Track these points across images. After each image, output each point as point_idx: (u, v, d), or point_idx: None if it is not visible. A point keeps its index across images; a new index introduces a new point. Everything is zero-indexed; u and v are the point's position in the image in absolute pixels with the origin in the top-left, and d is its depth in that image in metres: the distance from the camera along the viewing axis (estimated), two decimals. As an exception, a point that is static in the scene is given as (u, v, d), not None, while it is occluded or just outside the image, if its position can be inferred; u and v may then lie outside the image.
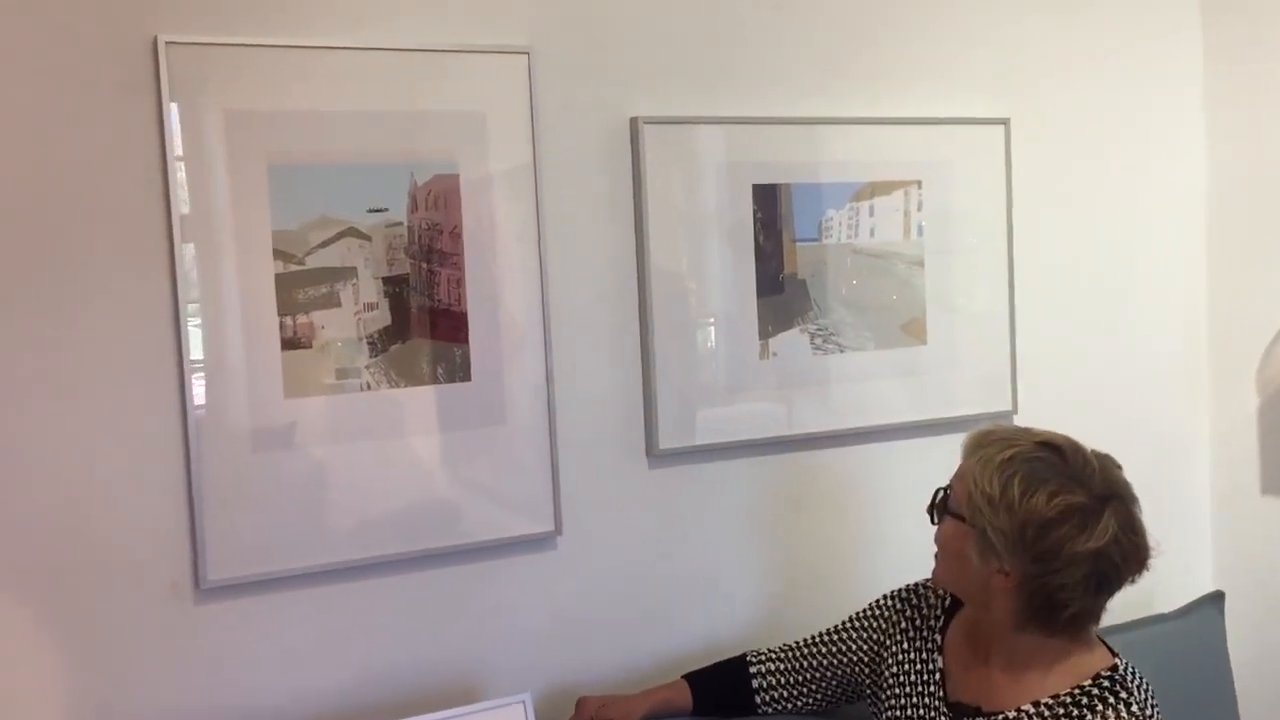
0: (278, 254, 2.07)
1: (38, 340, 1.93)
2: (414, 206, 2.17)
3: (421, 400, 2.19)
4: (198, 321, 2.02)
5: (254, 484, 2.07)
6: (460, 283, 2.21)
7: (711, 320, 2.44)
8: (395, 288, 2.16)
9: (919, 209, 2.62)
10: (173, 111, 1.98)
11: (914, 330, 2.63)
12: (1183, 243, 2.95)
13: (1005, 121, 2.68)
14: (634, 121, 2.35)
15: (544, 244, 2.27)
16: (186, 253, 2.00)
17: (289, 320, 2.08)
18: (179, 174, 1.99)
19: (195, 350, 2.02)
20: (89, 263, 1.96)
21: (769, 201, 2.48)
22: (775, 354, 2.50)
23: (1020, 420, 2.74)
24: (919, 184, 2.62)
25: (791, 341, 2.51)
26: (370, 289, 2.14)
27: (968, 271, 2.68)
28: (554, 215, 2.29)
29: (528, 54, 2.24)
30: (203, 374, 2.02)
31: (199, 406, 2.02)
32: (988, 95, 2.69)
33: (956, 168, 2.65)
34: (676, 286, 2.40)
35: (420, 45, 2.16)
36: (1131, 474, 1.81)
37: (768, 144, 2.47)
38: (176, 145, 1.99)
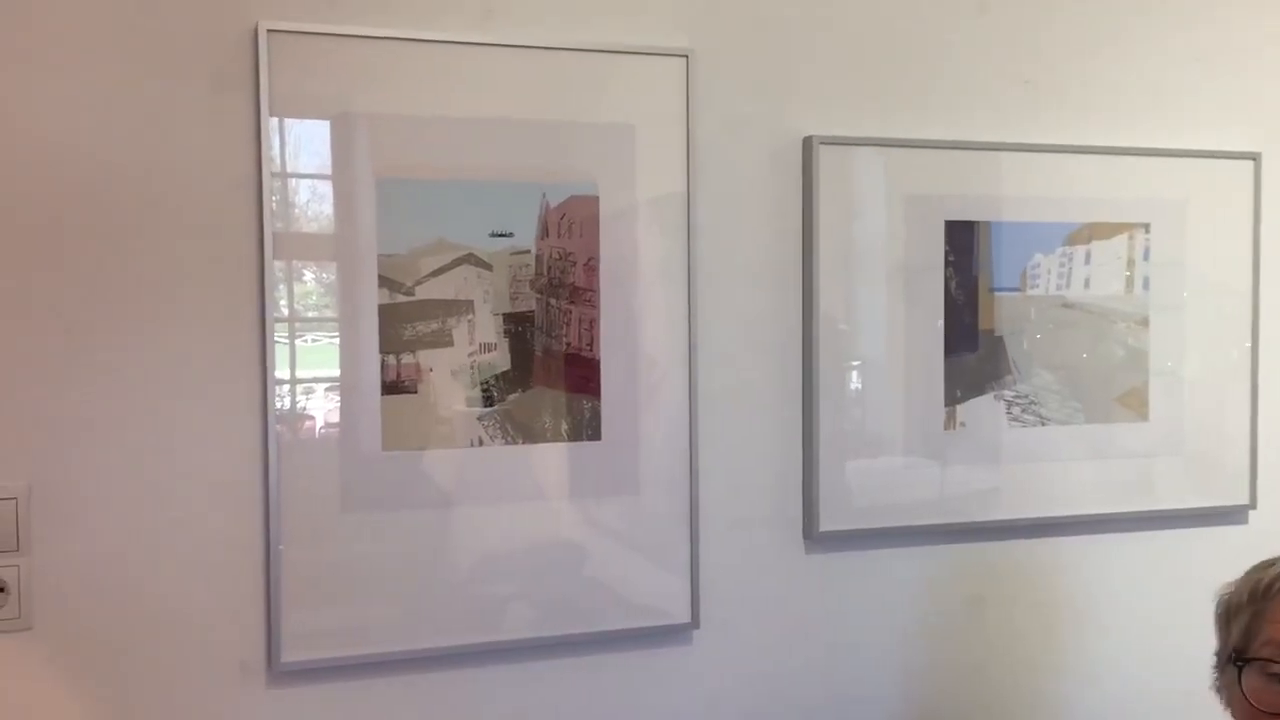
0: (384, 281, 1.76)
1: (105, 369, 1.66)
2: (544, 232, 1.84)
3: (543, 461, 1.86)
4: (286, 358, 1.72)
5: (342, 549, 1.76)
6: (594, 324, 1.87)
7: (889, 381, 2.05)
8: (517, 326, 1.83)
9: (1145, 258, 2.18)
10: (270, 111, 1.70)
11: (1132, 402, 2.18)
12: None
13: (1256, 157, 2.23)
14: (807, 142, 1.99)
15: (694, 283, 1.91)
16: (276, 275, 1.71)
17: (392, 360, 1.77)
18: (274, 184, 1.70)
19: (282, 394, 1.72)
20: (161, 284, 1.68)
21: (964, 242, 2.08)
22: (963, 424, 2.09)
23: (1259, 519, 2.26)
24: (1146, 228, 2.18)
25: (984, 410, 2.10)
26: (488, 327, 1.81)
27: (1201, 335, 2.22)
28: (708, 250, 1.94)
29: (686, 57, 1.90)
30: (289, 419, 1.72)
31: (282, 454, 1.72)
32: (1235, 126, 2.24)
33: (1193, 210, 2.20)
34: (848, 340, 2.02)
35: (560, 43, 1.84)
36: None
37: (965, 173, 2.08)
38: (273, 150, 1.70)
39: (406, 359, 1.78)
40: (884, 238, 2.04)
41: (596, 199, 1.87)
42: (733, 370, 1.97)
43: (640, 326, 1.90)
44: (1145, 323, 2.18)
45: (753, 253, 1.98)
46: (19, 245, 1.62)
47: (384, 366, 1.77)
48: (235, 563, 1.72)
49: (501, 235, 1.82)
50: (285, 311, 1.72)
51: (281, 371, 1.72)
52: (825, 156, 1.98)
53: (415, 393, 1.78)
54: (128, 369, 1.66)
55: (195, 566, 1.70)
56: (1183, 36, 2.20)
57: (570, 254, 1.86)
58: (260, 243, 1.70)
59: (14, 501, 1.61)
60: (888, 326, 2.04)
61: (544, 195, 1.84)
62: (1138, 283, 2.18)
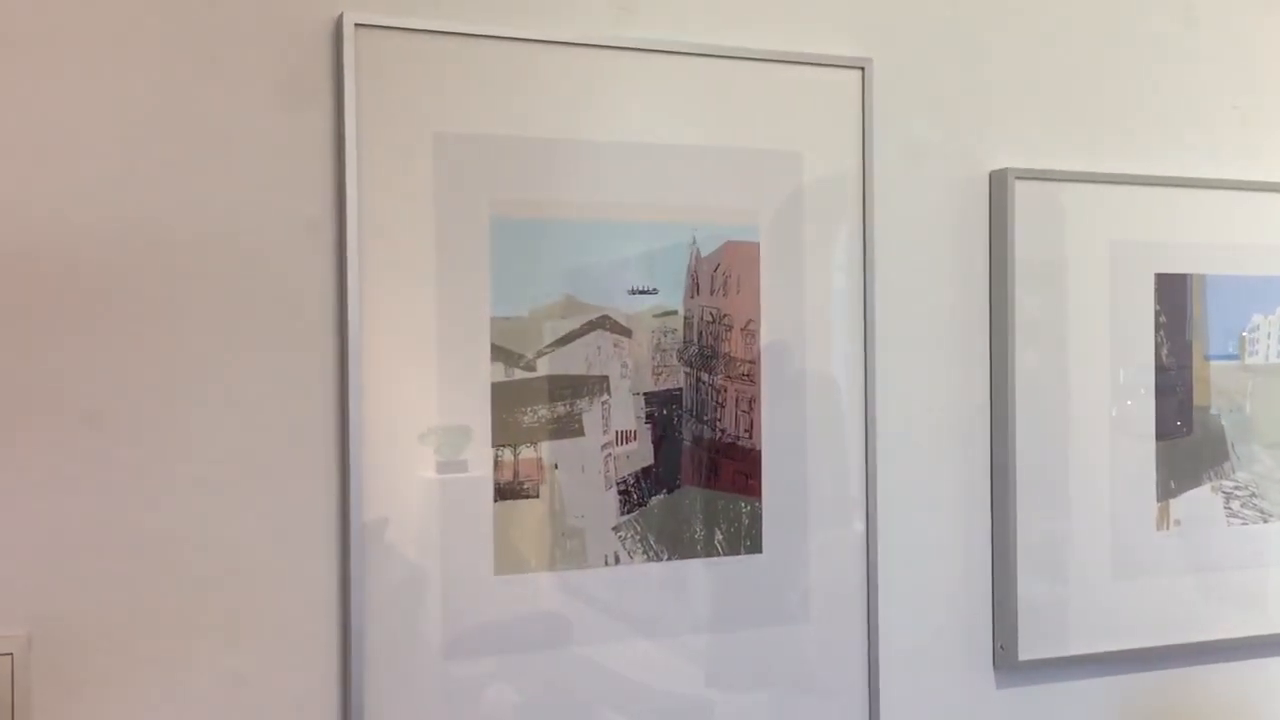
0: (497, 353, 1.34)
1: (132, 470, 1.22)
2: (694, 289, 1.44)
3: (692, 581, 1.44)
4: (367, 453, 1.29)
5: (444, 707, 1.32)
6: (754, 404, 1.46)
7: (1092, 471, 1.66)
8: (661, 409, 1.42)
9: (1374, 318, 1.82)
10: (355, 126, 1.28)
11: (1362, 492, 1.81)
12: None
13: None
14: (997, 177, 1.61)
15: (871, 353, 1.52)
16: (359, 341, 1.29)
17: (507, 454, 1.35)
18: (356, 222, 1.29)
19: (365, 494, 1.29)
20: (207, 361, 1.25)
21: (1176, 299, 1.70)
22: (1178, 522, 1.70)
23: None
24: (1374, 282, 1.82)
25: (1200, 504, 1.71)
26: (626, 410, 1.40)
27: None
28: (887, 310, 1.54)
29: (863, 69, 1.52)
30: (373, 539, 1.29)
31: (367, 585, 1.29)
32: None
33: None
34: (1046, 422, 1.63)
35: (714, 49, 1.44)
36: None
37: (1175, 216, 1.71)
38: (354, 174, 1.28)
39: (526, 453, 1.36)
40: (1084, 293, 1.65)
41: (757, 245, 1.47)
42: (913, 464, 1.57)
43: (808, 407, 1.49)
44: (1373, 396, 1.82)
45: (936, 312, 1.59)
46: (16, 313, 1.19)
47: (498, 464, 1.35)
48: (301, 728, 1.28)
49: (643, 292, 1.41)
50: (368, 389, 1.30)
51: (365, 473, 1.29)
52: (1020, 193, 1.60)
53: (536, 497, 1.36)
54: (159, 471, 1.23)
55: (247, 735, 1.26)
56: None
57: (725, 315, 1.45)
58: (340, 305, 1.28)
59: (9, 658, 1.17)
60: (1091, 404, 1.65)
61: (694, 240, 1.44)
62: (1365, 348, 1.81)
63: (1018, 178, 1.60)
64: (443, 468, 1.33)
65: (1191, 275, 1.71)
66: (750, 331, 1.47)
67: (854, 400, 1.52)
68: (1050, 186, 1.63)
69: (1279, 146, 1.77)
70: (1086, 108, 1.67)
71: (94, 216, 1.21)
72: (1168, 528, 1.69)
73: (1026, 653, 1.61)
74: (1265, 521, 1.75)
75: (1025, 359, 1.61)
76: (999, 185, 1.61)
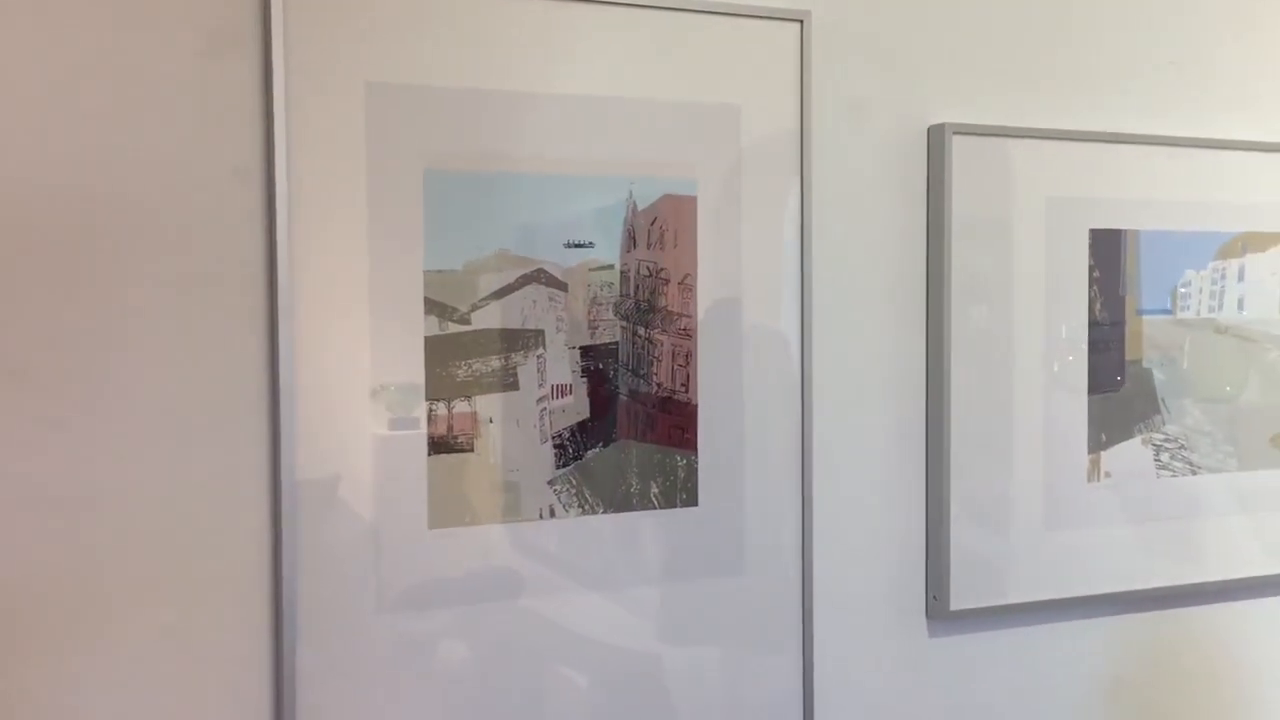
0: (431, 306, 1.34)
1: (59, 427, 1.20)
2: (630, 242, 1.43)
3: (628, 535, 1.45)
4: (300, 407, 1.28)
5: (376, 660, 1.33)
6: (690, 359, 1.47)
7: (1026, 424, 1.68)
8: (598, 364, 1.42)
9: (1303, 274, 1.85)
10: (284, 74, 1.26)
11: (1288, 445, 1.85)
12: None
13: None
14: (935, 132, 1.61)
15: (809, 308, 1.52)
16: (289, 294, 1.27)
17: (441, 409, 1.35)
18: (285, 172, 1.27)
19: (298, 451, 1.28)
20: (135, 313, 1.23)
21: (1110, 255, 1.72)
22: (1108, 474, 1.73)
23: None
24: (1304, 239, 1.85)
25: (1131, 457, 1.74)
26: (562, 364, 1.40)
27: (1360, 364, 1.90)
28: (825, 265, 1.55)
29: (802, 21, 1.51)
30: (305, 491, 1.29)
31: (298, 537, 1.28)
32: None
33: (1353, 218, 1.88)
34: (980, 377, 1.65)
35: (651, 1, 1.43)
36: None
37: (1111, 172, 1.72)
38: (283, 124, 1.26)
39: (460, 407, 1.35)
40: (1021, 249, 1.67)
41: (694, 199, 1.46)
42: (849, 419, 1.58)
43: (744, 361, 1.50)
44: (1301, 350, 1.85)
45: (874, 269, 1.60)
46: (-65, 258, 1.16)
47: (431, 417, 1.34)
48: (237, 679, 1.28)
49: (579, 245, 1.41)
50: (300, 340, 1.28)
51: (296, 423, 1.28)
52: (957, 149, 1.61)
53: (471, 450, 1.36)
54: (84, 426, 1.21)
55: (188, 684, 1.26)
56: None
57: (662, 270, 1.45)
58: (269, 257, 1.27)
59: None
60: (1025, 358, 1.67)
61: (630, 194, 1.43)
62: (1294, 303, 1.85)
63: (955, 133, 1.61)
64: (395, 424, 1.32)
65: (1126, 231, 1.73)
66: (687, 286, 1.46)
67: (791, 355, 1.52)
68: (988, 142, 1.63)
69: (1214, 103, 1.79)
70: (1025, 63, 1.68)
71: (15, 168, 1.18)
72: (1098, 479, 1.72)
73: (958, 602, 1.63)
74: (1194, 474, 1.79)
75: (961, 315, 1.62)
76: (936, 140, 1.61)
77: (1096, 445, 1.72)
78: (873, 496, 1.61)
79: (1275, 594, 1.85)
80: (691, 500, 1.47)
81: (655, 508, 1.46)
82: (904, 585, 1.63)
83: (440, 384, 1.34)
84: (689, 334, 1.47)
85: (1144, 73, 1.75)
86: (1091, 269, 1.71)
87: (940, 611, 1.63)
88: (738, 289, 1.49)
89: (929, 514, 1.63)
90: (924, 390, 1.63)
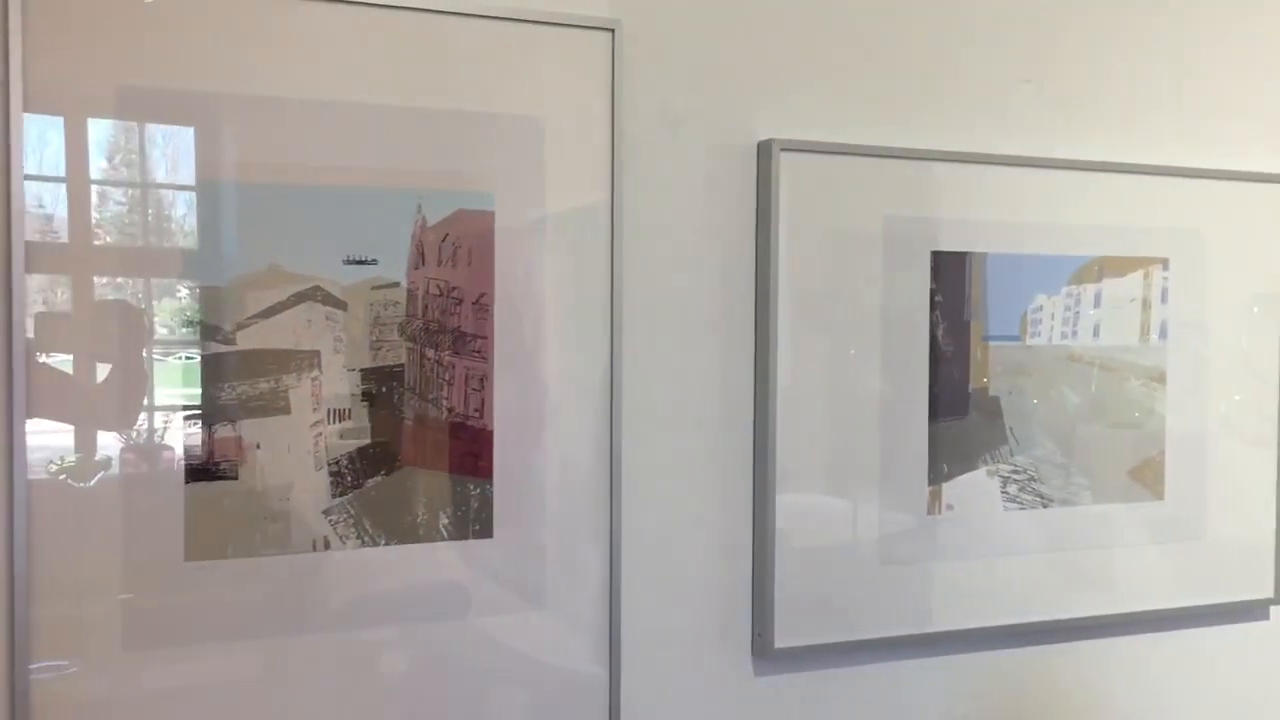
0: (191, 325, 1.26)
1: None
2: (419, 259, 1.36)
3: (413, 568, 1.37)
4: (44, 438, 1.21)
5: (126, 702, 1.25)
6: (485, 382, 1.39)
7: (862, 454, 1.61)
8: (381, 386, 1.35)
9: (1163, 300, 1.78)
10: (25, 78, 1.19)
11: (1147, 477, 1.78)
12: None
13: (1289, 181, 1.85)
14: (764, 147, 1.54)
15: (619, 331, 1.45)
16: (30, 311, 1.20)
17: (203, 433, 1.27)
18: (22, 173, 1.19)
19: (39, 482, 1.20)
20: None
21: (953, 278, 1.65)
22: (950, 507, 1.66)
23: (1287, 615, 1.89)
24: (1164, 264, 1.78)
25: (975, 489, 1.68)
26: (340, 386, 1.33)
27: (1226, 393, 1.84)
28: (637, 283, 1.48)
29: (613, 31, 1.44)
30: (47, 516, 1.21)
31: (34, 566, 1.20)
32: (1264, 144, 1.86)
33: (1216, 241, 1.82)
34: (810, 405, 1.58)
35: (443, 6, 1.36)
36: None
37: (956, 193, 1.65)
38: (31, 130, 1.19)
39: (224, 432, 1.28)
40: (856, 271, 1.60)
41: (491, 215, 1.39)
42: (666, 445, 1.51)
43: (547, 386, 1.43)
44: (1162, 378, 1.79)
45: (699, 290, 1.53)
46: None
47: (189, 442, 1.26)
48: (-35, 724, 1.20)
49: (360, 262, 1.33)
50: (41, 363, 1.21)
51: (42, 447, 1.20)
52: (787, 167, 1.54)
53: (235, 478, 1.28)
54: None
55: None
56: (1211, 38, 1.82)
57: (455, 289, 1.38)
58: (5, 277, 1.19)
59: None
60: (860, 385, 1.61)
61: (419, 208, 1.36)
62: (1154, 330, 1.78)
63: (784, 149, 1.54)
64: (130, 446, 1.25)
65: (971, 254, 1.66)
66: (483, 306, 1.39)
67: (598, 379, 1.45)
68: (820, 159, 1.57)
69: (1070, 123, 1.73)
70: (867, 79, 1.61)
71: None
72: (939, 512, 1.65)
73: (785, 639, 1.56)
74: (1045, 506, 1.72)
75: (791, 338, 1.56)
76: (765, 157, 1.54)
77: (938, 477, 1.65)
78: (695, 527, 1.53)
79: (1129, 632, 1.78)
80: (485, 531, 1.40)
81: (445, 539, 1.38)
82: (729, 621, 1.56)
83: (203, 407, 1.26)
84: (484, 356, 1.39)
85: (997, 91, 1.69)
86: (934, 293, 1.64)
87: (765, 649, 1.56)
88: (540, 309, 1.42)
89: (755, 546, 1.56)
90: (752, 416, 1.56)
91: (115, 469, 1.24)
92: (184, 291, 1.25)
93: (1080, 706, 1.76)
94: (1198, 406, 1.81)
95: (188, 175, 1.26)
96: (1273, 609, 1.89)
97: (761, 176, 1.55)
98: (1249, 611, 1.88)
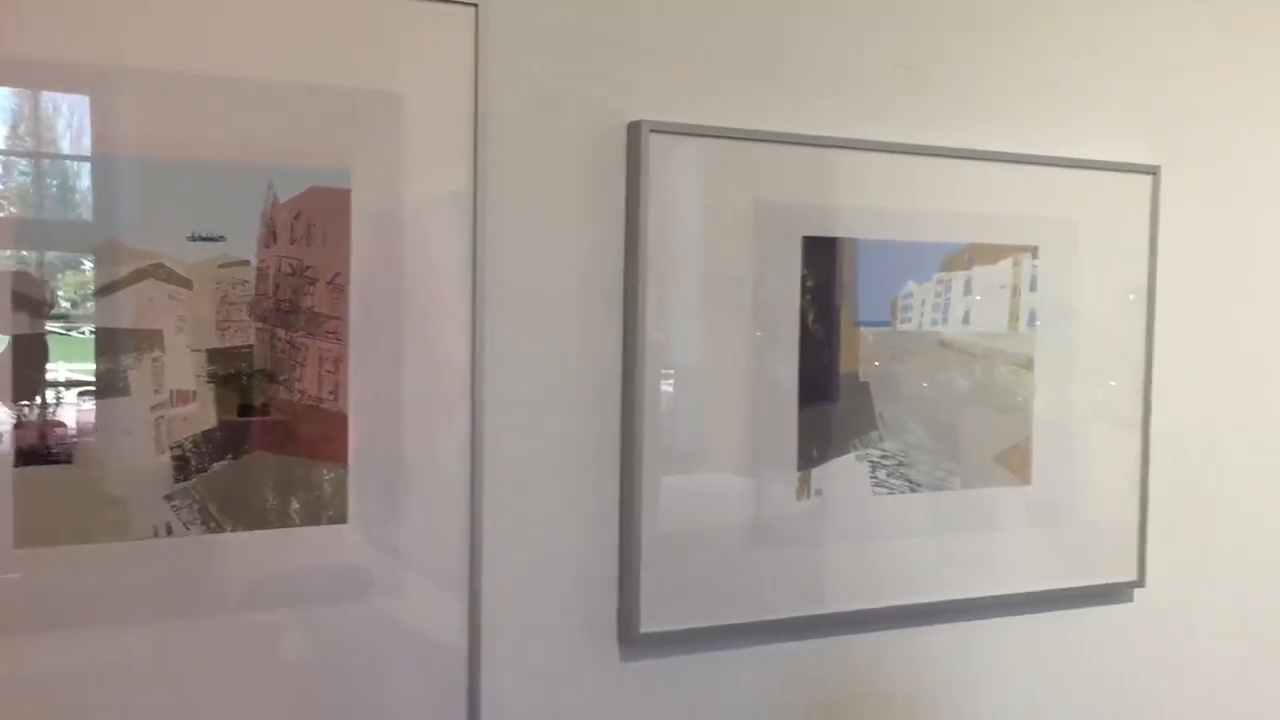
0: (20, 302, 1.21)
1: None
2: (270, 237, 1.32)
3: (262, 556, 1.33)
4: None
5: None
6: (340, 364, 1.36)
7: (730, 439, 1.61)
8: (228, 368, 1.30)
9: (1032, 288, 1.81)
10: None
11: (1014, 462, 1.81)
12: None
13: (1154, 171, 1.88)
14: (633, 129, 1.52)
15: (481, 312, 1.42)
16: None
17: (30, 414, 1.22)
18: None
19: None
20: None
21: (825, 263, 1.65)
22: (819, 491, 1.66)
23: (1148, 598, 1.93)
24: (1034, 251, 1.81)
25: (844, 474, 1.68)
26: (184, 368, 1.28)
27: (1090, 381, 1.87)
28: (501, 266, 1.45)
29: (476, 5, 1.41)
30: None
31: None
32: (1133, 134, 1.89)
33: (1085, 231, 1.84)
34: (679, 388, 1.57)
35: (299, -25, 1.32)
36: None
37: (829, 178, 1.65)
38: None
39: (56, 413, 1.22)
40: (728, 255, 1.59)
41: (348, 192, 1.36)
42: (532, 430, 1.49)
43: (405, 368, 1.40)
44: (1030, 365, 1.81)
45: (562, 273, 1.50)
46: None
47: (20, 425, 1.21)
48: None
49: (206, 239, 1.29)
50: None
51: None
52: (657, 149, 1.53)
53: (69, 462, 1.23)
54: None
55: None
56: (1084, 29, 1.84)
57: (308, 268, 1.34)
58: None
59: None
60: (730, 370, 1.60)
61: (271, 185, 1.31)
62: (1023, 318, 1.80)
63: (654, 131, 1.52)
64: (-44, 429, 1.19)
65: (843, 239, 1.66)
66: (338, 286, 1.35)
67: (459, 362, 1.42)
68: (691, 141, 1.55)
69: (943, 110, 1.74)
70: (740, 62, 1.60)
71: None
72: (808, 497, 1.65)
73: (651, 625, 1.55)
74: (913, 491, 1.73)
75: (660, 323, 1.54)
76: (634, 138, 1.52)
77: (807, 461, 1.65)
78: (561, 512, 1.51)
79: (997, 615, 1.81)
80: (340, 517, 1.37)
81: (296, 525, 1.34)
82: (596, 607, 1.55)
83: (30, 388, 1.21)
84: (339, 338, 1.36)
85: (871, 77, 1.69)
86: (805, 278, 1.64)
87: (631, 635, 1.55)
88: (398, 290, 1.39)
89: (622, 530, 1.55)
90: (619, 402, 1.54)
91: (-63, 453, 1.18)
92: (17, 266, 1.20)
93: (949, 688, 1.78)
94: (1065, 393, 1.84)
95: (21, 145, 1.20)
96: (1136, 592, 1.93)
97: (631, 159, 1.53)
98: (1114, 594, 1.92)
